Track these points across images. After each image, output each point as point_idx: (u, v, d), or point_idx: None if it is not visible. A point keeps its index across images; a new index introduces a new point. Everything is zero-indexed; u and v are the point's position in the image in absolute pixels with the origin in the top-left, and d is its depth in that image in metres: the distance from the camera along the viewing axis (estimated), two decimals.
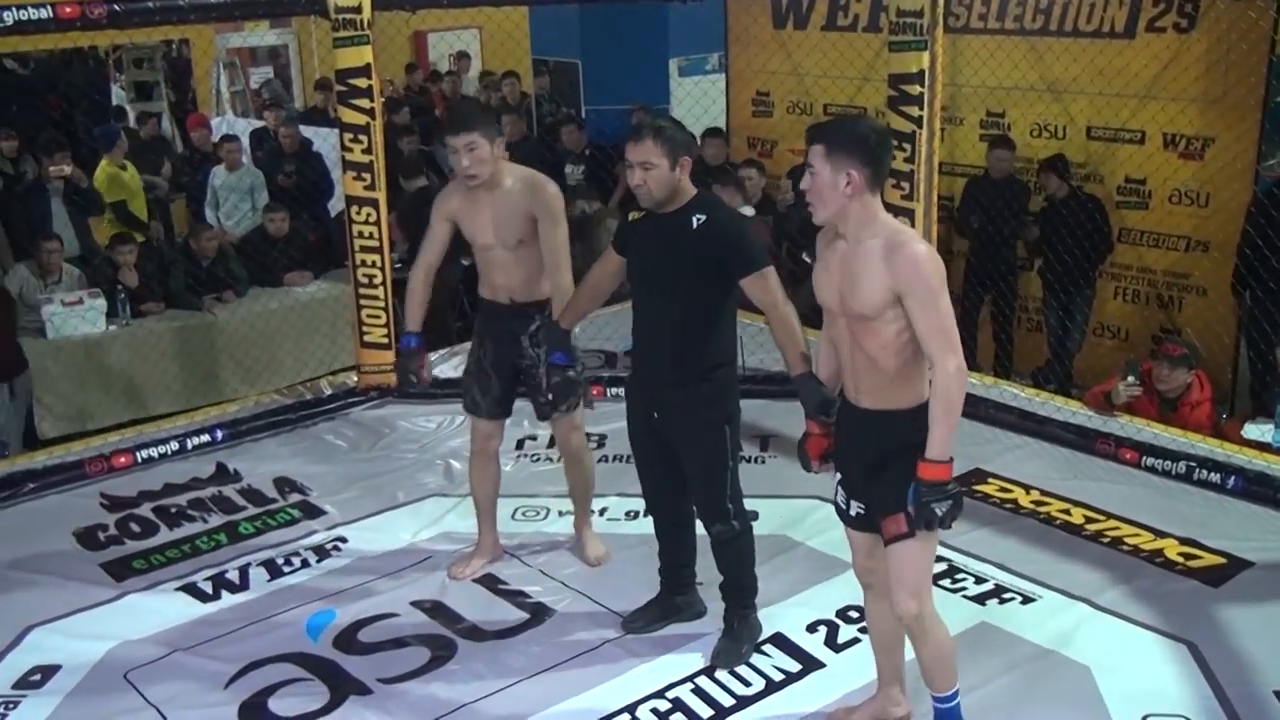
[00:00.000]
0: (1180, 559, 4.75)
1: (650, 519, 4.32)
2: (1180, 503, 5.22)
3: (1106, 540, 4.91)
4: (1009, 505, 5.23)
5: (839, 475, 3.51)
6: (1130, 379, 5.85)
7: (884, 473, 3.31)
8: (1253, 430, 5.74)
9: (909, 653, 3.60)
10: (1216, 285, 6.80)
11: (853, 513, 3.48)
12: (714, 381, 3.89)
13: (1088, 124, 7.25)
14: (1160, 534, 4.93)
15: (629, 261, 3.99)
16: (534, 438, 5.94)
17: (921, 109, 5.98)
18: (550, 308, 4.38)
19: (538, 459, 5.76)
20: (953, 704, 3.50)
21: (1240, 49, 6.40)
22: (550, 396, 4.33)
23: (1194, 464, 5.38)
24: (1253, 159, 6.57)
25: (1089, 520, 5.07)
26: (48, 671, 4.19)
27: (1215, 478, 5.31)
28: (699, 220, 3.79)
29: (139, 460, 5.82)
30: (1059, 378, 7.08)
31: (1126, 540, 4.90)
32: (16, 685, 4.12)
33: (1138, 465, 5.53)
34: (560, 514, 5.16)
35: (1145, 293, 7.21)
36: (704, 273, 3.78)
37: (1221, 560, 4.72)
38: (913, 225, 6.09)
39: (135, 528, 5.25)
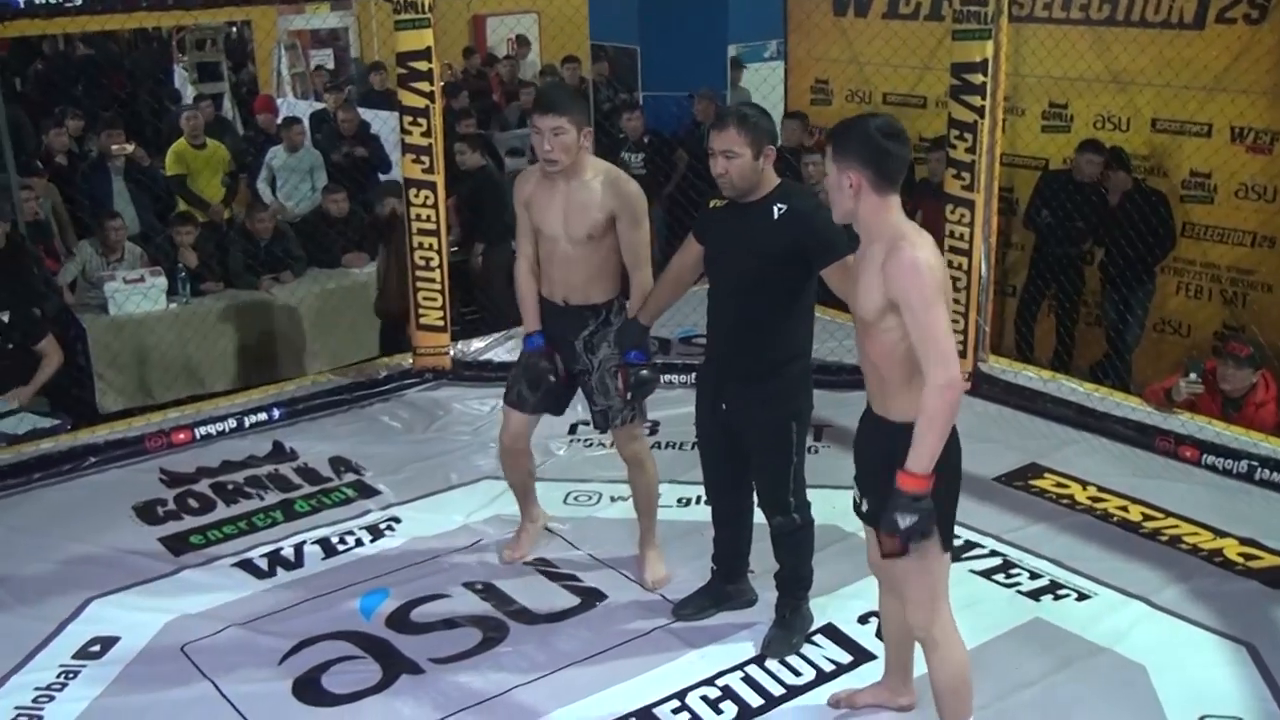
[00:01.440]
0: (1240, 559, 4.67)
1: (705, 506, 4.30)
2: (1241, 502, 5.14)
3: (1164, 538, 4.85)
4: (1065, 501, 5.18)
5: (855, 469, 3.47)
6: (1192, 376, 5.76)
7: (883, 484, 3.21)
8: None
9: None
10: None
11: (864, 508, 3.44)
12: (786, 377, 3.85)
13: (1153, 116, 7.15)
14: (1220, 533, 4.85)
15: (707, 251, 3.96)
16: (587, 422, 5.94)
17: (984, 99, 5.91)
18: (605, 313, 4.31)
19: (590, 444, 5.77)
20: None
21: None
22: (629, 396, 4.20)
23: (1256, 463, 5.30)
24: None
25: (1147, 518, 5.01)
26: (107, 643, 4.26)
27: (1278, 477, 5.23)
28: (780, 210, 3.75)
29: (197, 437, 5.90)
30: (1118, 373, 6.99)
31: (1185, 539, 4.83)
32: (76, 655, 4.19)
33: (1198, 463, 5.45)
34: (612, 499, 5.17)
35: (1209, 288, 7.10)
36: (784, 263, 3.74)
37: None
38: (972, 216, 6.04)
39: (193, 503, 5.31)
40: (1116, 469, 5.47)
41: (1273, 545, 4.75)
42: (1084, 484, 5.32)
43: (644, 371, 4.14)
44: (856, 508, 3.49)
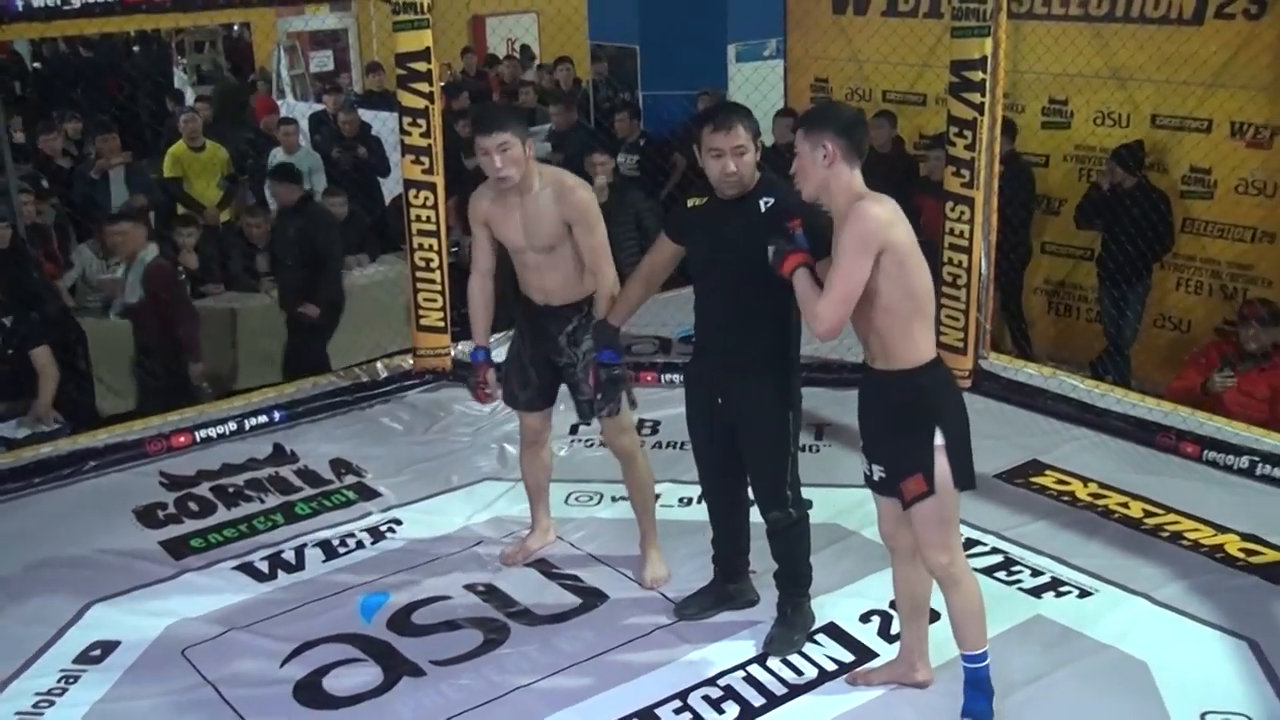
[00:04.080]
0: (1241, 555, 4.66)
1: (704, 505, 4.31)
2: (1242, 498, 5.13)
3: (1166, 535, 4.84)
4: (1066, 498, 5.17)
5: (862, 441, 3.60)
6: (1226, 371, 5.91)
7: (897, 433, 3.45)
8: None
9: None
10: None
11: (875, 477, 3.57)
12: (781, 368, 3.88)
13: (1153, 112, 7.14)
14: (1221, 529, 4.85)
15: (692, 248, 3.96)
16: (589, 423, 5.93)
17: (983, 96, 5.90)
18: (587, 307, 4.32)
19: (591, 444, 5.76)
20: (982, 664, 3.59)
21: None
22: (599, 395, 4.26)
23: (1257, 459, 5.30)
24: None
25: (1148, 514, 5.00)
26: (108, 647, 4.25)
27: (1278, 473, 5.22)
28: (766, 203, 3.77)
29: (198, 440, 5.90)
30: (1118, 368, 6.99)
31: (1186, 535, 4.82)
32: (77, 660, 4.18)
33: (1199, 459, 5.45)
34: (614, 499, 5.17)
35: (1208, 284, 7.09)
36: None
37: None
38: (972, 214, 6.03)
39: (194, 507, 5.31)
40: (1117, 465, 5.47)
41: (1274, 540, 4.73)
42: (1085, 480, 5.31)
43: (615, 370, 4.20)
44: (868, 479, 3.61)
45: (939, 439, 3.40)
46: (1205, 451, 5.44)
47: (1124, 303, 7.08)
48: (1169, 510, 5.01)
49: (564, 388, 4.57)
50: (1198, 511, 4.99)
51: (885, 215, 3.31)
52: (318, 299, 7.23)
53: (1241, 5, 6.65)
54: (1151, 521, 4.94)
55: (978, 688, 3.59)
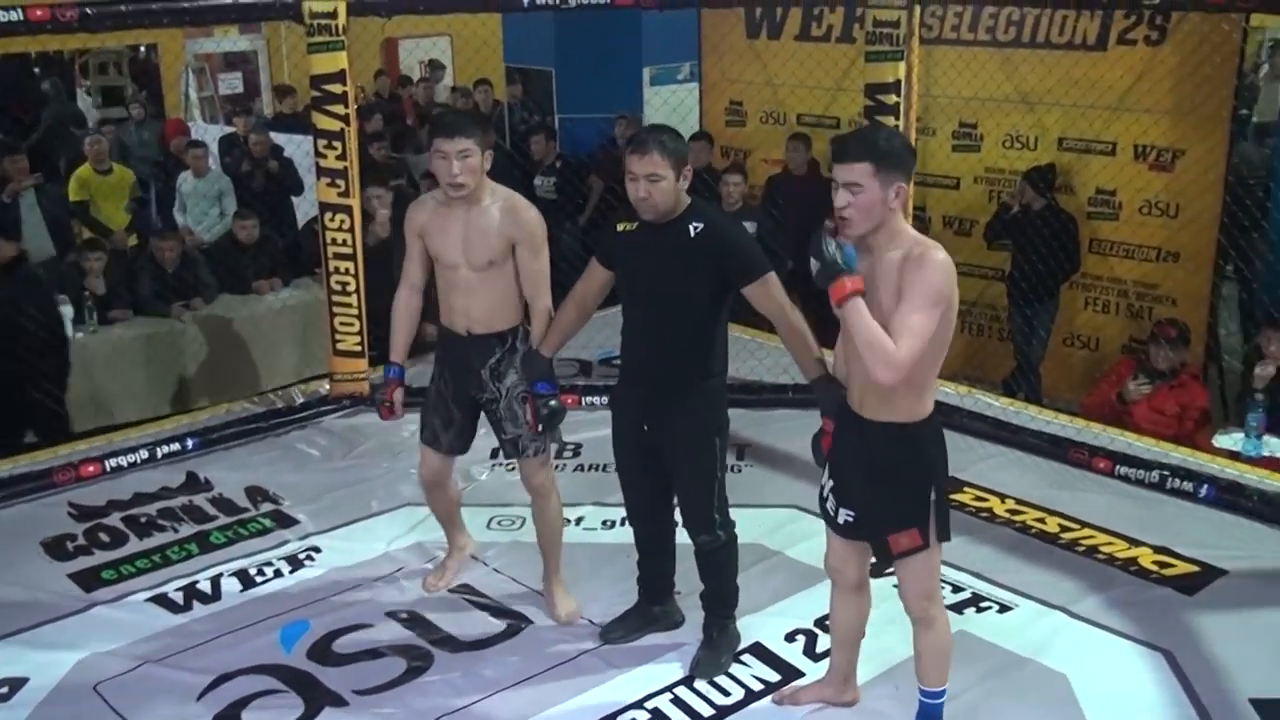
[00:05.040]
0: (1155, 567, 4.77)
1: (628, 528, 4.29)
2: (1154, 511, 5.25)
3: (1082, 549, 4.93)
4: (984, 514, 5.25)
5: (830, 481, 3.51)
6: (1140, 378, 6.05)
7: (887, 486, 3.35)
8: (1223, 440, 5.80)
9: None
10: (1186, 296, 6.86)
11: (841, 520, 3.49)
12: (707, 392, 3.88)
13: (1060, 135, 7.30)
14: (1135, 542, 4.95)
15: (622, 273, 3.94)
16: (517, 459, 5.89)
17: (897, 119, 6.00)
18: (511, 339, 4.22)
19: (512, 468, 5.70)
20: (939, 702, 3.57)
21: (1212, 61, 6.47)
22: (540, 429, 4.19)
23: (1167, 473, 5.42)
24: (1223, 171, 6.64)
25: (1064, 529, 5.09)
26: (15, 684, 4.12)
27: (1188, 486, 5.35)
28: (696, 229, 3.76)
29: (108, 469, 5.75)
30: (1030, 386, 7.12)
31: (1101, 549, 4.92)
32: None
33: (1111, 474, 5.56)
34: None
35: (1115, 303, 7.25)
36: (703, 282, 3.75)
37: (1195, 568, 4.75)
38: None
39: (104, 537, 5.18)
40: (1033, 481, 5.57)
41: (1185, 553, 4.85)
42: (1002, 497, 5.39)
43: (553, 402, 4.14)
44: (829, 518, 3.52)
45: (932, 495, 3.35)
46: (1117, 466, 5.56)
47: (1035, 321, 7.21)
48: (1084, 525, 5.11)
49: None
50: (1112, 525, 5.09)
51: (953, 269, 3.15)
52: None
53: (1143, 32, 6.84)
54: (1067, 536, 5.03)
55: None
